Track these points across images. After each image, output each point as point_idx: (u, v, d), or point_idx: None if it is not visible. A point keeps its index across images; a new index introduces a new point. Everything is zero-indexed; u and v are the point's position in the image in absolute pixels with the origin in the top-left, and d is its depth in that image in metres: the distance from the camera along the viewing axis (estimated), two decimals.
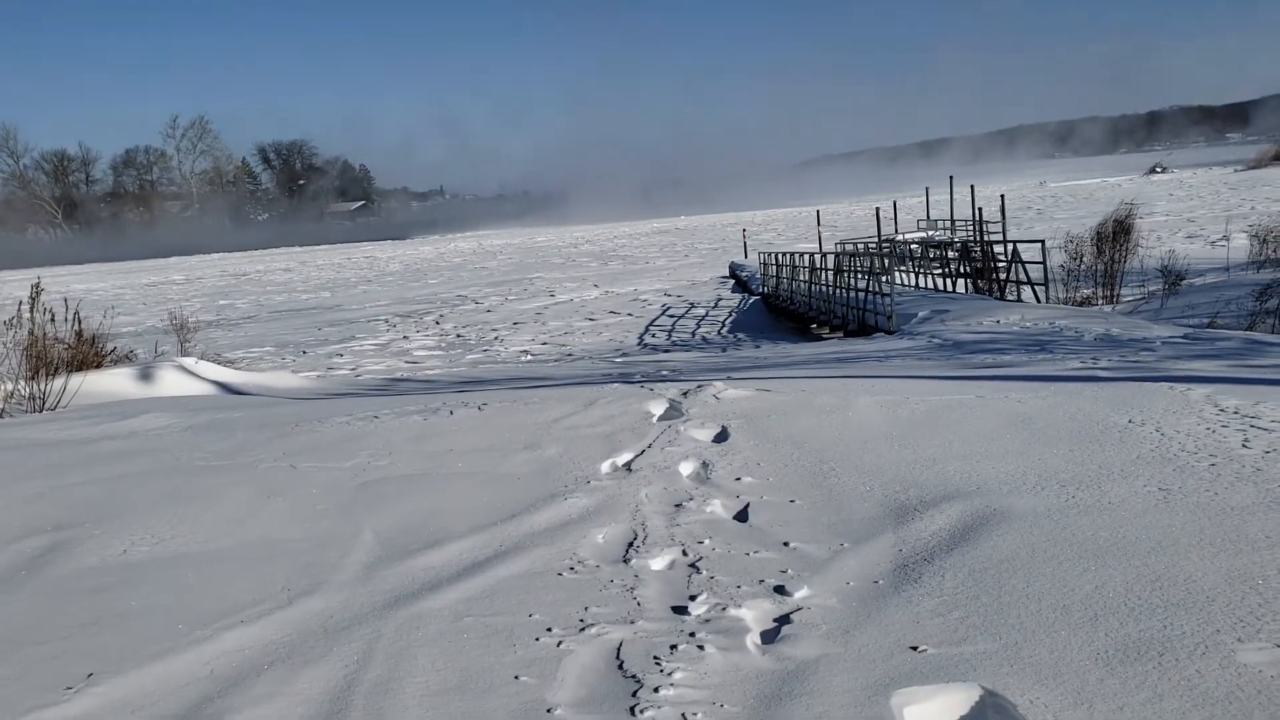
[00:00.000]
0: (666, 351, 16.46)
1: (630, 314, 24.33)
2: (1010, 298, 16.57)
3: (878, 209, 32.48)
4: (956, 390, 6.07)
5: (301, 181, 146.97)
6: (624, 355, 16.06)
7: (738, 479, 4.36)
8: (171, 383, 10.00)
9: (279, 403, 8.37)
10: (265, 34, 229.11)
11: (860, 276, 16.05)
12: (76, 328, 10.47)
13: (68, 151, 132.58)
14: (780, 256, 23.30)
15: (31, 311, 9.94)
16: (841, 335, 15.95)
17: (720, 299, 26.20)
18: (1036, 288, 15.88)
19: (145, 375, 9.96)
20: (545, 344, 20.12)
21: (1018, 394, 5.67)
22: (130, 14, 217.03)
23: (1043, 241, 16.01)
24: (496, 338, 21.85)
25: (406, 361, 18.87)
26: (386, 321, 27.07)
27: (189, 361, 10.92)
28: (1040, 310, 12.85)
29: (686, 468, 4.63)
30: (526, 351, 19.04)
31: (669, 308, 24.82)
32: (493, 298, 31.78)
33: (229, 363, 13.33)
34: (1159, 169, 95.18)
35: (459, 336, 22.63)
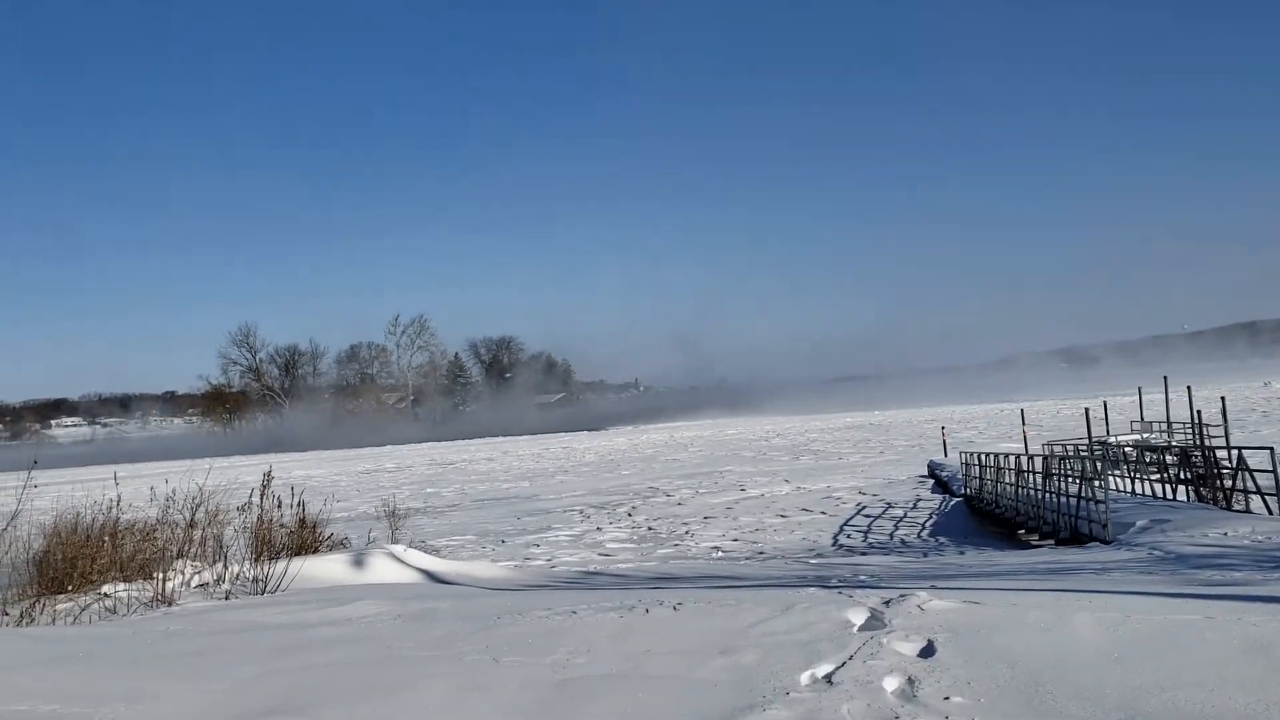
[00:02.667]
0: (863, 554, 16.01)
1: (824, 512, 23.88)
2: (1238, 508, 15.39)
3: (1086, 409, 31.16)
4: (1182, 609, 5.65)
5: (507, 375, 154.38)
6: (818, 556, 15.71)
7: (946, 698, 4.16)
8: (382, 569, 10.48)
9: (481, 594, 8.61)
10: (481, 247, 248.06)
11: (1071, 481, 15.32)
12: (300, 514, 11.20)
13: (299, 346, 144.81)
14: (983, 457, 22.56)
15: (262, 498, 10.75)
16: (1052, 543, 15.15)
17: (919, 499, 25.40)
18: (1267, 498, 14.70)
19: (358, 561, 10.49)
20: (736, 540, 19.93)
21: (1253, 616, 5.22)
22: (360, 224, 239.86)
23: (1271, 448, 14.92)
24: (688, 532, 21.83)
25: (599, 554, 19.06)
26: (581, 512, 27.55)
27: (398, 549, 11.43)
28: (1273, 523, 11.88)
29: (891, 683, 4.45)
30: (717, 548, 18.90)
31: (864, 507, 24.25)
32: (684, 490, 31.94)
33: (435, 551, 13.84)
34: None
35: (650, 530, 22.73)
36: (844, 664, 4.78)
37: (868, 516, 22.39)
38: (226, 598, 8.95)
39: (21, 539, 9.08)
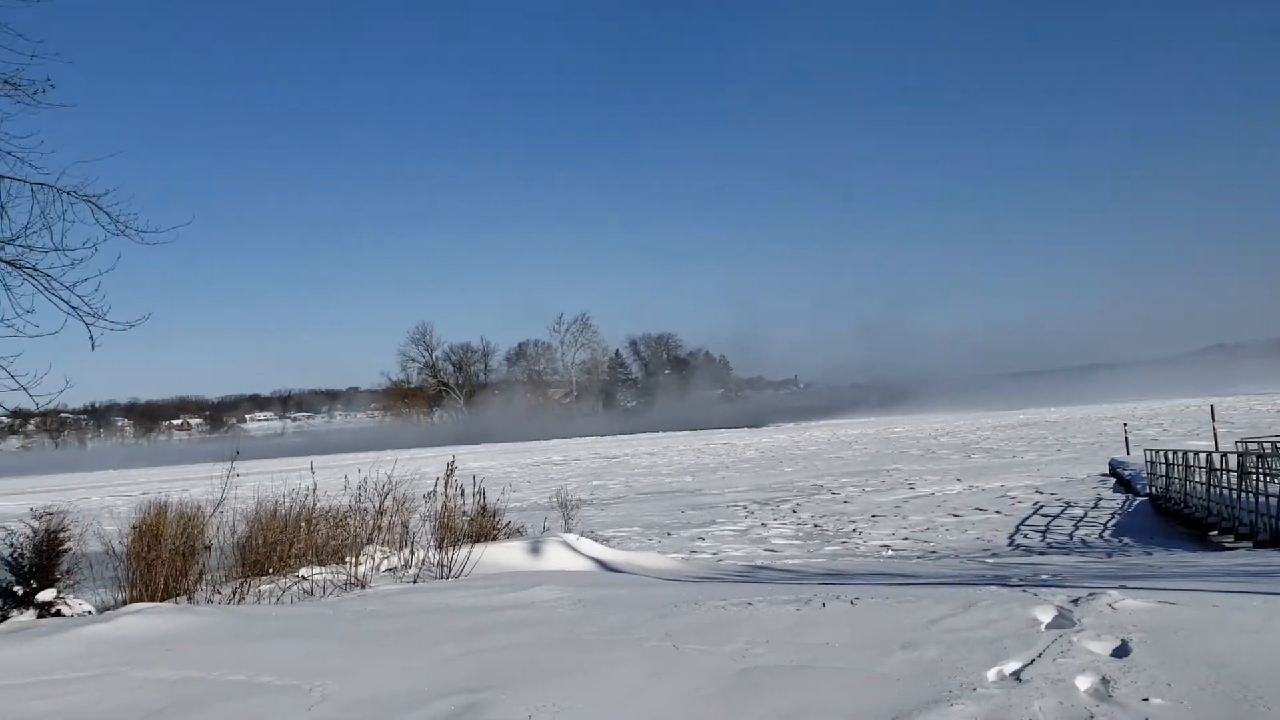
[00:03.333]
0: (1042, 554, 15.44)
1: (998, 511, 23.11)
2: None
3: None
4: None
5: (667, 371, 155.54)
6: (994, 556, 15.23)
7: (1145, 699, 4.01)
8: (556, 557, 10.78)
9: (655, 583, 8.76)
10: (638, 247, 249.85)
11: (1271, 480, 14.38)
12: (481, 502, 11.63)
13: (471, 345, 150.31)
14: (1170, 455, 21.39)
15: (445, 487, 11.22)
16: (1250, 545, 14.25)
17: (1100, 499, 24.28)
18: None
19: (535, 549, 10.83)
20: (907, 539, 19.52)
21: None
22: (527, 221, 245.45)
23: None
24: (855, 530, 21.50)
25: (765, 549, 19.00)
26: (745, 508, 27.51)
27: (571, 538, 11.74)
28: None
29: (1084, 682, 4.32)
30: (887, 546, 18.56)
31: (1041, 506, 23.34)
32: (849, 488, 31.47)
33: (604, 540, 14.13)
34: None
35: (816, 526, 22.51)
36: (1032, 661, 4.67)
37: (1045, 516, 21.56)
38: (415, 581, 9.39)
39: (227, 524, 9.76)
